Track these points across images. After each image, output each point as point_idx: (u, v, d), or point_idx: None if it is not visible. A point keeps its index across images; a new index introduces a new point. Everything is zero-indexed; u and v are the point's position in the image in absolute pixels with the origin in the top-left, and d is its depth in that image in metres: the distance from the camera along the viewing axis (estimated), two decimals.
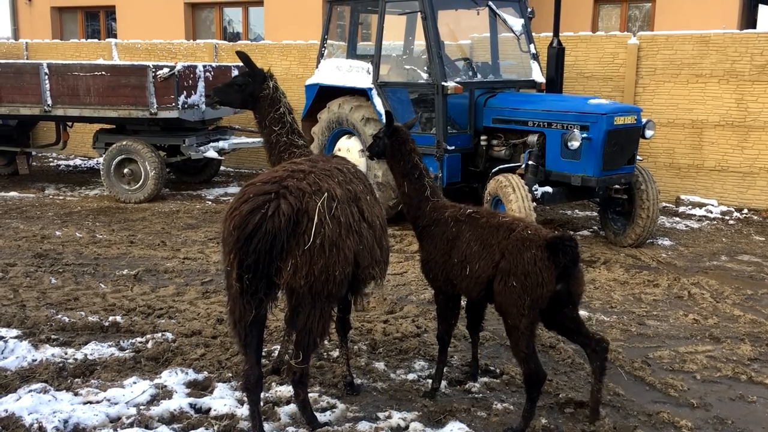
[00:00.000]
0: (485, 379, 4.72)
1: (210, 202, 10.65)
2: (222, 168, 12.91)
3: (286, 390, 4.41)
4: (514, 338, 3.85)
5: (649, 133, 7.90)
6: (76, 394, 4.38)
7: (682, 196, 10.24)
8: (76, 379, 4.64)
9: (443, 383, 4.61)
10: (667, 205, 10.17)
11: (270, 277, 3.56)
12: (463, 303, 4.59)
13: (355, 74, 9.05)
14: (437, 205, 4.39)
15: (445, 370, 4.69)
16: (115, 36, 17.60)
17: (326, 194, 3.63)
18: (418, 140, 8.24)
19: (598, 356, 4.04)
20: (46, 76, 10.39)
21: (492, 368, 4.90)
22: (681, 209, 10.06)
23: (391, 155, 4.47)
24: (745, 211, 9.82)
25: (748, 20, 14.98)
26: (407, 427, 4.04)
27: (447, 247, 4.17)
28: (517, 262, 3.77)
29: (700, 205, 10.01)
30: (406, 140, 4.44)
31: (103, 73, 10.25)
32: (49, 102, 10.47)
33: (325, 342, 5.08)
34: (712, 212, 9.82)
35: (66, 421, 3.94)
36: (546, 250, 3.72)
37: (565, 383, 4.69)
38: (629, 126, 7.61)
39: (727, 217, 9.64)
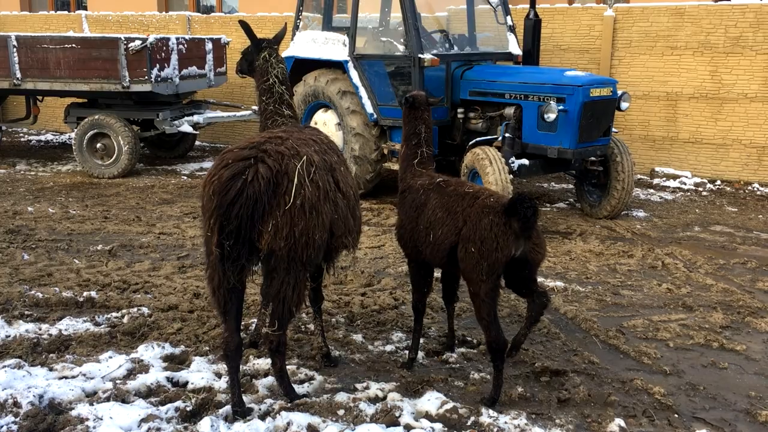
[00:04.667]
0: (462, 350, 4.76)
1: (185, 177, 10.54)
2: (197, 142, 12.77)
3: (264, 363, 4.41)
4: (476, 305, 3.89)
5: (624, 105, 7.92)
6: (51, 370, 4.34)
7: (657, 168, 10.33)
8: (51, 355, 4.60)
9: (421, 354, 4.65)
10: (642, 177, 10.26)
11: (251, 242, 3.55)
12: (439, 274, 4.61)
13: (331, 47, 8.96)
14: (416, 172, 4.45)
15: (422, 342, 4.72)
16: (85, 8, 17.18)
17: (305, 158, 3.64)
18: (394, 113, 8.34)
19: (536, 307, 3.96)
20: (15, 49, 10.16)
21: (469, 339, 4.94)
22: (655, 181, 10.16)
23: (403, 119, 4.64)
24: (718, 182, 9.94)
25: None
26: (385, 398, 4.06)
27: (415, 214, 4.23)
28: (475, 228, 3.80)
29: (674, 177, 10.11)
30: (417, 108, 4.54)
31: (74, 45, 10.04)
32: (18, 75, 10.25)
33: (303, 314, 5.08)
34: (685, 184, 9.93)
35: (41, 396, 3.89)
36: (503, 215, 3.71)
37: (541, 352, 4.75)
38: (605, 98, 7.62)
39: (700, 189, 9.75)
